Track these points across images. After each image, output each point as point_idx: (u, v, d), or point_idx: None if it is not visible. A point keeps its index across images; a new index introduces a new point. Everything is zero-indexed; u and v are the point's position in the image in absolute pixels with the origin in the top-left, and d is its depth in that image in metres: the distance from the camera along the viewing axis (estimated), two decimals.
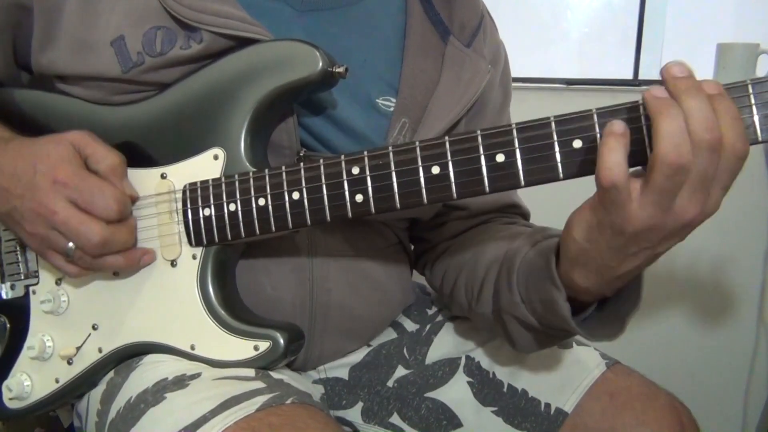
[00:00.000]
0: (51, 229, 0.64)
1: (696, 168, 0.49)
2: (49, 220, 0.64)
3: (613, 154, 0.50)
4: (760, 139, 0.51)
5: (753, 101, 0.51)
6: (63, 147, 0.65)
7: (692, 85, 0.50)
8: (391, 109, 0.76)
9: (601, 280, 0.60)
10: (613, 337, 0.63)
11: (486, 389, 0.80)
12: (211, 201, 0.67)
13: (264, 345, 0.66)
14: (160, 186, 0.69)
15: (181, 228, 0.68)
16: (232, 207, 0.66)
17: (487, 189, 0.57)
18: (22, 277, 0.75)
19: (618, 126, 0.51)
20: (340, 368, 0.85)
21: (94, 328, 0.71)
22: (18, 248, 0.76)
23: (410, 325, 0.89)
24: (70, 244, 0.64)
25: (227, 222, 0.66)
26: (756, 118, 0.51)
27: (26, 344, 0.74)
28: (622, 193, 0.51)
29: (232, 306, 0.68)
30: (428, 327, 0.88)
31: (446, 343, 0.86)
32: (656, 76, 1.69)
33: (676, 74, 0.51)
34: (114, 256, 0.66)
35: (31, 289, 0.75)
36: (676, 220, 0.52)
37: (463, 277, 0.80)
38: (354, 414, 0.84)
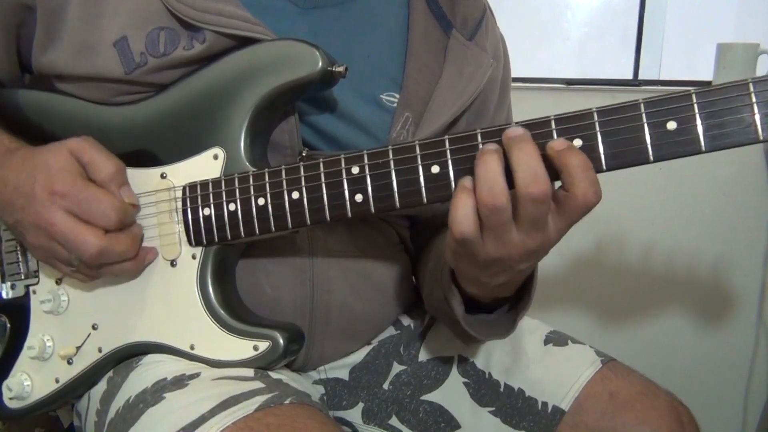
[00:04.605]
0: (52, 241, 0.64)
1: (523, 215, 0.54)
2: (47, 231, 0.64)
3: (461, 209, 0.55)
4: (761, 138, 0.51)
5: (754, 100, 0.51)
6: (61, 156, 0.65)
7: (522, 140, 0.54)
8: (395, 104, 0.76)
9: (482, 289, 0.66)
10: (504, 334, 0.71)
11: (483, 389, 0.80)
12: (211, 201, 0.67)
13: (263, 345, 0.66)
14: (160, 185, 0.69)
15: (181, 228, 0.68)
16: (232, 207, 0.66)
17: None
18: (23, 277, 0.75)
19: (468, 181, 0.55)
20: (340, 369, 0.85)
21: (94, 327, 0.71)
22: (18, 248, 0.76)
23: (407, 321, 0.89)
24: (72, 255, 0.64)
25: (227, 222, 0.66)
26: (757, 117, 0.51)
27: (26, 344, 0.74)
28: (471, 241, 0.56)
29: (231, 306, 0.68)
30: (425, 322, 0.88)
31: (440, 338, 0.86)
32: (656, 76, 1.69)
33: (510, 134, 0.54)
34: (119, 264, 0.67)
35: (31, 288, 0.75)
36: (520, 251, 0.57)
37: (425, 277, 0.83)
38: (354, 414, 0.84)
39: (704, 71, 1.54)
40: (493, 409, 0.79)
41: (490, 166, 0.53)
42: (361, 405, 0.84)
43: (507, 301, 0.71)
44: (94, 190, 0.64)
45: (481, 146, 0.56)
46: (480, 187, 0.54)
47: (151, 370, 0.68)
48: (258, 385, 0.64)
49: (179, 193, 0.69)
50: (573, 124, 0.55)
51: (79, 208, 0.63)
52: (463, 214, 0.55)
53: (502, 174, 0.53)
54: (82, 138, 0.67)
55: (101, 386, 0.71)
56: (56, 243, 0.64)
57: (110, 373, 0.72)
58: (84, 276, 0.68)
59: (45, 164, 0.64)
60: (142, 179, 0.70)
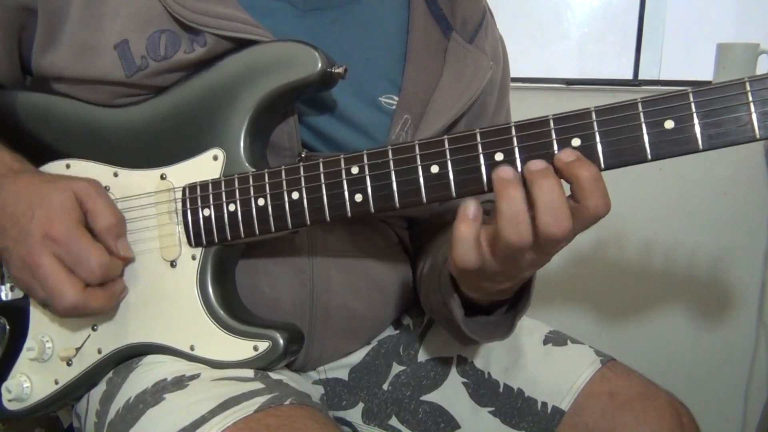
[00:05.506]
0: (34, 279, 0.64)
1: (541, 246, 0.54)
2: (32, 271, 0.64)
3: (462, 243, 0.55)
4: (757, 136, 0.51)
5: (751, 98, 0.51)
6: (65, 196, 0.65)
7: (544, 175, 0.53)
8: (393, 107, 0.76)
9: (483, 294, 0.66)
10: (504, 336, 0.71)
11: (482, 390, 0.80)
12: (211, 201, 0.67)
13: (263, 345, 0.66)
14: (160, 186, 0.69)
15: (181, 229, 0.68)
16: (232, 207, 0.66)
17: (486, 188, 0.57)
18: None
19: (470, 211, 0.54)
20: (340, 369, 0.85)
21: (93, 329, 0.71)
22: None
23: (407, 321, 0.89)
24: (48, 299, 0.65)
25: (227, 222, 0.66)
26: (754, 116, 0.51)
27: (26, 345, 0.74)
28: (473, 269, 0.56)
29: (231, 306, 0.68)
30: (424, 322, 0.88)
31: (439, 339, 0.86)
32: (656, 76, 1.69)
33: (532, 168, 0.54)
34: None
35: None
36: (528, 264, 0.57)
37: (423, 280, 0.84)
38: (355, 414, 0.84)
39: (704, 71, 1.54)
40: (493, 409, 0.79)
41: (515, 202, 0.53)
42: (361, 405, 0.84)
43: (505, 302, 0.71)
44: (87, 241, 0.64)
45: (498, 170, 0.54)
46: (504, 223, 0.53)
47: (151, 370, 0.68)
48: (258, 385, 0.64)
49: (179, 194, 0.69)
50: (571, 123, 0.55)
51: (68, 256, 0.63)
52: (464, 249, 0.55)
53: (527, 211, 0.53)
54: (88, 182, 0.67)
55: (101, 387, 0.71)
56: (37, 282, 0.64)
57: (110, 374, 0.71)
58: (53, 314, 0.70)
59: (47, 201, 0.64)
60: (142, 180, 0.70)
